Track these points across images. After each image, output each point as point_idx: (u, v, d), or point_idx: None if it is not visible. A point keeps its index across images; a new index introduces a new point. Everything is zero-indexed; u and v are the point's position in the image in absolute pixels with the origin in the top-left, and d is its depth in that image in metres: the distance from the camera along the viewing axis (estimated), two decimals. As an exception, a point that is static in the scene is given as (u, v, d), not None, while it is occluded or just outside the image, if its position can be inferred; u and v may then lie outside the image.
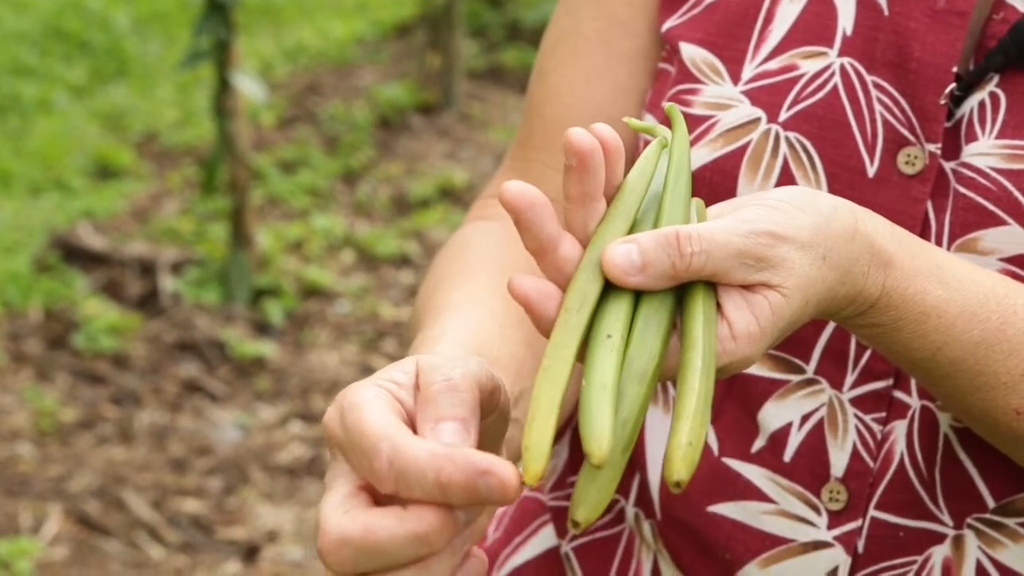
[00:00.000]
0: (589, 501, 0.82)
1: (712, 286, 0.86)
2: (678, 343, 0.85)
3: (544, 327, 0.84)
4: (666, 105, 0.94)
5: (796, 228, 0.87)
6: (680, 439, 0.80)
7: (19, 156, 4.89)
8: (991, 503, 1.06)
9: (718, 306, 0.85)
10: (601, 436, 0.79)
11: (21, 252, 4.21)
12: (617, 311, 0.84)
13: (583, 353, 0.83)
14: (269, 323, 3.98)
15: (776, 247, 0.85)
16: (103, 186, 4.75)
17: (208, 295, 4.03)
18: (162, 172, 4.91)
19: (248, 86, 3.94)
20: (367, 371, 3.86)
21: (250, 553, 3.19)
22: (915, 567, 1.07)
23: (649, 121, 1.13)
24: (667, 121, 0.95)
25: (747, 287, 0.86)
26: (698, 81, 1.09)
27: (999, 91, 1.03)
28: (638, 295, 0.85)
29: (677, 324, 0.86)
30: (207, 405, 3.67)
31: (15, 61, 5.61)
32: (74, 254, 4.20)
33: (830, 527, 1.08)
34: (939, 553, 1.07)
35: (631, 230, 0.87)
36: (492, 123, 5.32)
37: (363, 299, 4.17)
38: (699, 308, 0.84)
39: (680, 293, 0.86)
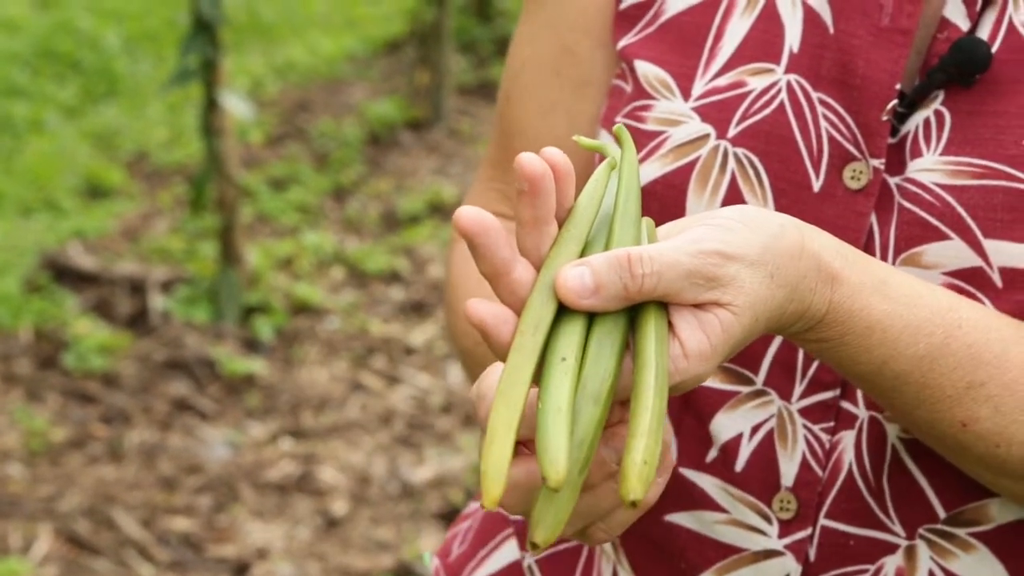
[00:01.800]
0: (547, 522, 0.83)
1: (664, 306, 0.88)
2: (632, 363, 0.87)
3: (500, 351, 0.86)
4: (615, 127, 0.96)
5: (744, 247, 0.89)
6: (635, 457, 0.82)
7: (10, 176, 4.92)
8: (942, 513, 1.08)
9: (670, 325, 0.87)
10: (557, 459, 0.80)
11: (11, 272, 4.23)
12: (571, 333, 0.86)
13: (539, 376, 0.85)
14: (259, 340, 4.00)
15: (725, 266, 0.87)
16: (93, 206, 4.78)
17: (198, 313, 4.05)
18: (152, 191, 4.93)
19: (235, 105, 3.97)
20: (357, 387, 3.88)
21: (240, 570, 3.21)
22: (867, 575, 1.09)
23: (603, 137, 1.15)
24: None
25: (698, 306, 0.87)
26: (651, 97, 1.11)
27: (944, 109, 1.05)
28: (591, 317, 0.87)
29: (630, 344, 0.88)
30: (197, 423, 3.68)
31: (6, 81, 5.64)
32: (64, 274, 4.22)
33: (781, 536, 1.09)
34: (892, 563, 1.08)
35: (583, 252, 0.89)
36: (482, 138, 5.34)
37: (353, 315, 4.19)
38: (651, 328, 0.86)
39: (633, 314, 0.88)
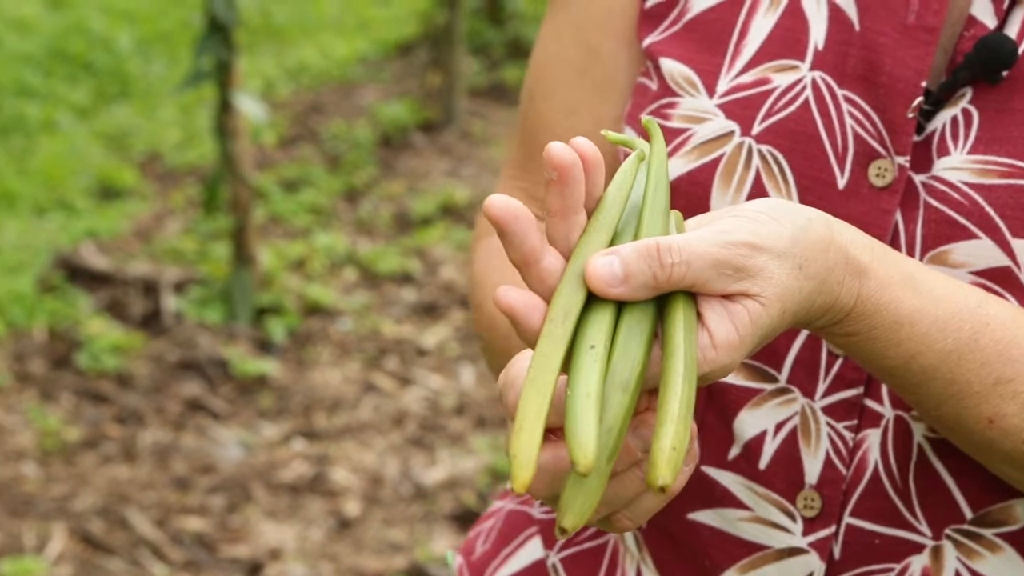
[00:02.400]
0: (575, 508, 0.84)
1: (692, 296, 0.88)
2: (660, 352, 0.87)
3: (529, 338, 0.86)
4: (644, 119, 0.97)
5: (773, 238, 0.89)
6: (664, 443, 0.82)
7: (23, 177, 4.93)
8: (969, 514, 1.08)
9: (698, 315, 0.87)
10: (587, 445, 0.80)
11: (25, 272, 4.24)
12: (600, 322, 0.86)
13: (567, 364, 0.85)
14: (271, 341, 4.00)
15: (754, 257, 0.88)
16: (106, 206, 4.78)
17: (211, 314, 4.05)
18: (165, 192, 4.94)
19: (249, 106, 3.97)
20: (369, 388, 3.88)
21: (253, 571, 3.21)
22: (892, 574, 1.09)
23: (629, 133, 1.15)
24: (645, 134, 0.97)
25: (726, 297, 0.88)
26: (676, 95, 1.12)
27: (971, 107, 1.05)
28: (620, 306, 0.87)
29: (659, 334, 0.88)
30: (210, 423, 3.69)
31: (19, 82, 5.65)
32: (78, 274, 4.23)
33: (805, 534, 1.09)
34: (918, 563, 1.08)
35: (612, 242, 0.89)
36: (494, 140, 5.35)
37: (365, 316, 4.20)
38: (680, 317, 0.87)
39: (661, 304, 0.88)
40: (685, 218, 0.95)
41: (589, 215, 0.90)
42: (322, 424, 3.71)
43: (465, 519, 3.36)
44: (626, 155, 1.11)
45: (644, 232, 0.90)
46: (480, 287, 1.20)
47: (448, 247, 4.58)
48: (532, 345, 0.86)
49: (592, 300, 0.87)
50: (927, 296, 0.96)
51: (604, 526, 0.93)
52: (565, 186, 0.87)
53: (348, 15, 6.65)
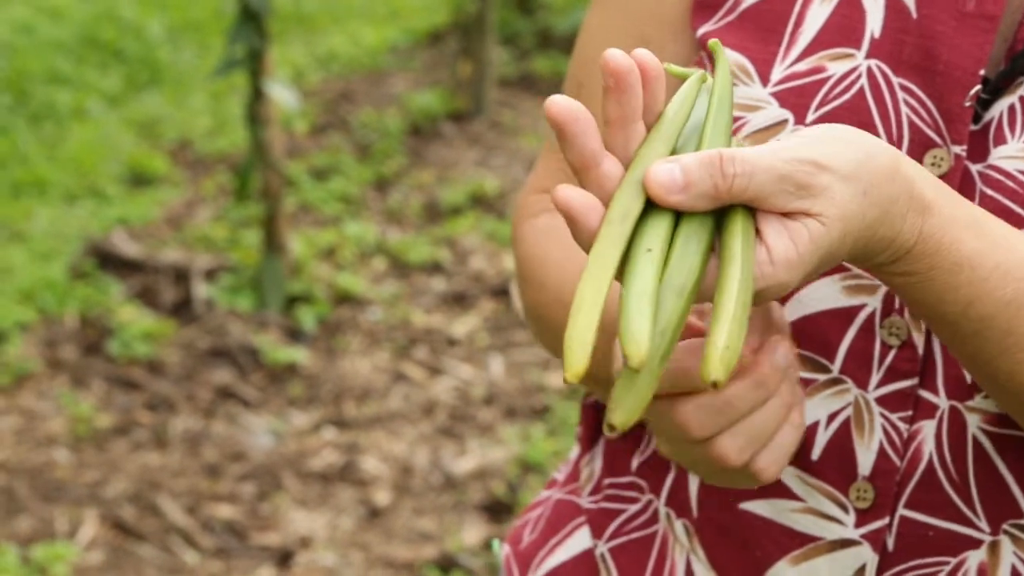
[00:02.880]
0: (626, 406, 0.83)
1: (752, 212, 0.87)
2: (715, 264, 0.87)
3: (585, 238, 0.86)
4: (710, 41, 0.96)
5: (839, 160, 0.88)
6: (717, 340, 0.82)
7: (54, 164, 4.94)
8: None
9: (757, 231, 0.87)
10: (640, 339, 0.80)
11: (57, 259, 4.25)
12: (658, 228, 0.86)
13: (622, 269, 0.85)
14: (302, 330, 4.01)
15: (818, 175, 0.87)
16: (137, 193, 4.80)
17: (241, 302, 4.06)
18: (196, 179, 4.95)
19: (281, 94, 3.97)
20: (399, 378, 3.88)
21: (283, 559, 3.22)
22: (947, 568, 1.08)
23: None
24: None
25: (786, 215, 0.87)
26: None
27: None
28: (678, 216, 0.87)
29: (715, 248, 0.88)
30: (240, 411, 3.69)
31: (50, 69, 5.67)
32: (109, 261, 4.24)
33: (857, 525, 1.09)
34: (975, 558, 1.07)
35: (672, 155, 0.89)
36: (523, 130, 5.34)
37: (395, 306, 4.20)
38: (738, 229, 0.86)
39: (719, 218, 0.88)
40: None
41: (648, 130, 0.89)
42: (352, 413, 3.71)
43: (495, 509, 3.36)
44: None
45: (707, 147, 0.89)
46: (542, 265, 1.18)
47: (478, 237, 4.57)
48: (586, 247, 0.85)
49: (650, 207, 0.86)
50: (989, 240, 0.95)
51: (746, 481, 0.94)
52: (623, 93, 0.86)
53: (378, 3, 6.65)
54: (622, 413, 0.83)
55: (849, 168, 0.88)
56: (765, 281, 0.86)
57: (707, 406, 0.90)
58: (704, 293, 0.87)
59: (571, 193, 0.85)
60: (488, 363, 3.95)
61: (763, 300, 0.87)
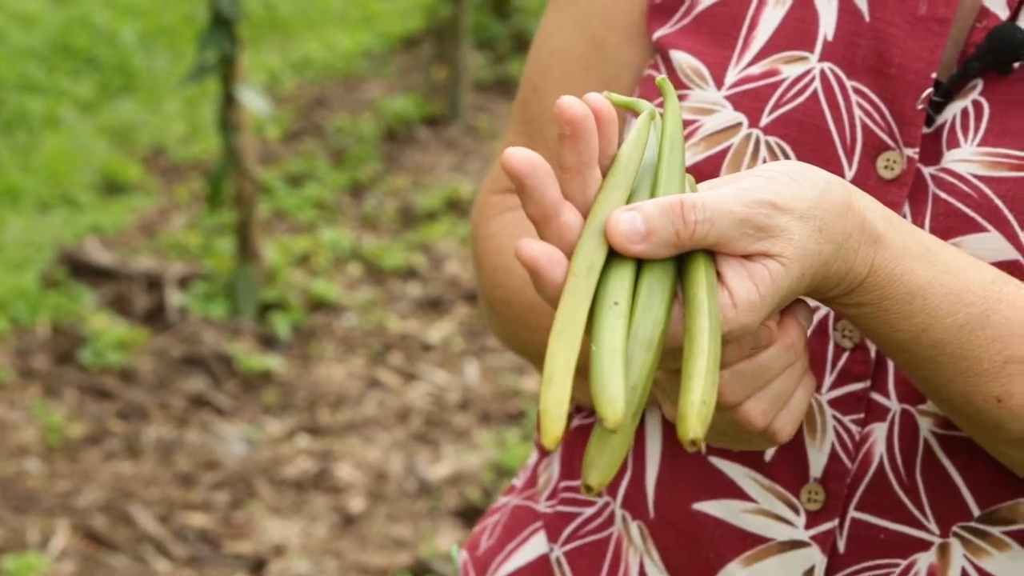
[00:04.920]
0: (601, 465, 0.83)
1: (711, 255, 0.88)
2: (679, 311, 0.87)
3: (550, 292, 0.86)
4: (658, 79, 0.96)
5: (795, 199, 0.89)
6: (693, 397, 0.82)
7: (27, 172, 4.93)
8: (976, 511, 1.07)
9: (718, 275, 0.87)
10: (616, 400, 0.80)
11: (29, 268, 4.24)
12: (621, 279, 0.86)
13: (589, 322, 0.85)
14: (276, 337, 4.00)
15: (776, 216, 0.88)
16: (110, 201, 4.79)
17: (215, 309, 4.05)
18: (169, 187, 4.94)
19: (253, 100, 3.97)
20: (374, 384, 3.88)
21: (257, 567, 3.21)
22: (898, 570, 1.08)
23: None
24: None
25: (746, 256, 0.88)
26: (685, 87, 1.11)
27: (982, 99, 1.04)
28: (640, 263, 0.87)
29: (678, 294, 0.88)
30: (214, 419, 3.69)
31: (23, 77, 5.65)
32: (81, 269, 4.23)
33: (807, 527, 1.09)
34: (924, 560, 1.08)
35: (628, 200, 0.89)
36: (499, 135, 5.34)
37: (370, 312, 4.19)
38: (701, 275, 0.87)
39: (680, 262, 0.88)
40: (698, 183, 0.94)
41: (604, 174, 0.89)
42: (326, 420, 3.71)
43: (470, 515, 3.36)
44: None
45: (661, 189, 0.90)
46: (501, 253, 1.19)
47: (453, 242, 4.57)
48: (551, 301, 0.86)
49: (612, 257, 0.87)
50: (940, 268, 0.96)
51: (763, 443, 0.95)
52: (579, 141, 0.87)
53: (353, 8, 6.65)
54: (598, 473, 0.83)
55: (805, 207, 0.89)
56: (729, 325, 0.86)
57: (741, 372, 0.91)
58: (670, 340, 0.87)
59: (535, 248, 0.85)
60: (463, 368, 3.95)
61: (726, 343, 0.87)
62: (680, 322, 0.87)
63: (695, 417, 0.81)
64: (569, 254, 0.86)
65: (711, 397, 0.82)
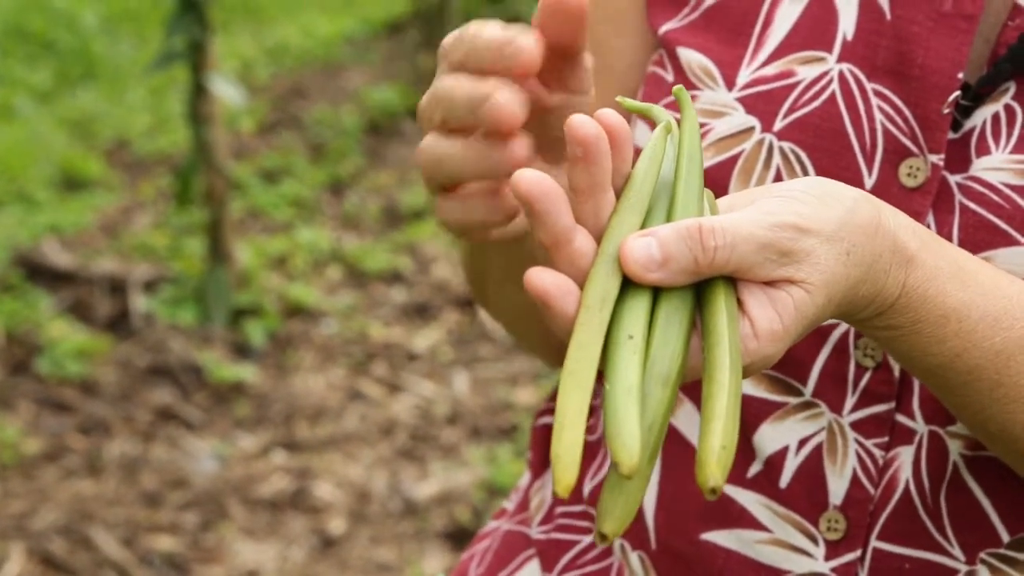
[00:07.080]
0: (617, 513, 0.84)
1: (732, 282, 0.88)
2: (698, 343, 0.87)
3: (562, 325, 0.86)
4: (675, 88, 0.96)
5: (821, 221, 0.89)
6: (713, 443, 0.82)
7: (-21, 166, 4.94)
8: (1006, 537, 1.08)
9: (739, 303, 0.88)
10: (632, 445, 0.80)
11: (-18, 270, 4.25)
12: (636, 310, 0.86)
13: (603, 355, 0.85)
14: (250, 345, 4.01)
15: (801, 240, 0.88)
16: (70, 198, 4.79)
17: (183, 315, 4.06)
18: (134, 183, 4.95)
19: (225, 90, 3.98)
20: (355, 396, 3.89)
21: (229, 594, 3.22)
22: None
23: (637, 127, 1.16)
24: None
25: (769, 283, 0.88)
26: (694, 87, 1.12)
27: (1015, 104, 1.05)
28: (656, 291, 0.87)
29: (697, 323, 0.88)
30: (182, 434, 3.70)
31: (-25, 64, 5.66)
32: (38, 272, 4.23)
33: (827, 558, 1.10)
34: None
35: (644, 223, 0.90)
36: (490, 127, 5.36)
37: (351, 318, 4.20)
38: (721, 305, 0.87)
39: (699, 290, 0.88)
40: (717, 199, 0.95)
41: (618, 194, 0.90)
42: (304, 435, 3.72)
43: (459, 537, 3.37)
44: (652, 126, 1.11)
45: (678, 211, 0.90)
46: None
47: (441, 243, 4.59)
48: (563, 335, 0.86)
49: (627, 286, 0.87)
50: (976, 289, 0.96)
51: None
52: (591, 163, 0.87)
53: (332, -9, 6.66)
54: (613, 522, 0.83)
55: (831, 228, 0.89)
56: (750, 357, 0.87)
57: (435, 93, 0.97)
58: (688, 374, 0.87)
59: (545, 278, 0.85)
60: (452, 379, 3.96)
61: (747, 375, 0.87)
62: (699, 355, 0.87)
63: (715, 464, 0.81)
64: (581, 282, 0.86)
65: (732, 441, 0.82)
